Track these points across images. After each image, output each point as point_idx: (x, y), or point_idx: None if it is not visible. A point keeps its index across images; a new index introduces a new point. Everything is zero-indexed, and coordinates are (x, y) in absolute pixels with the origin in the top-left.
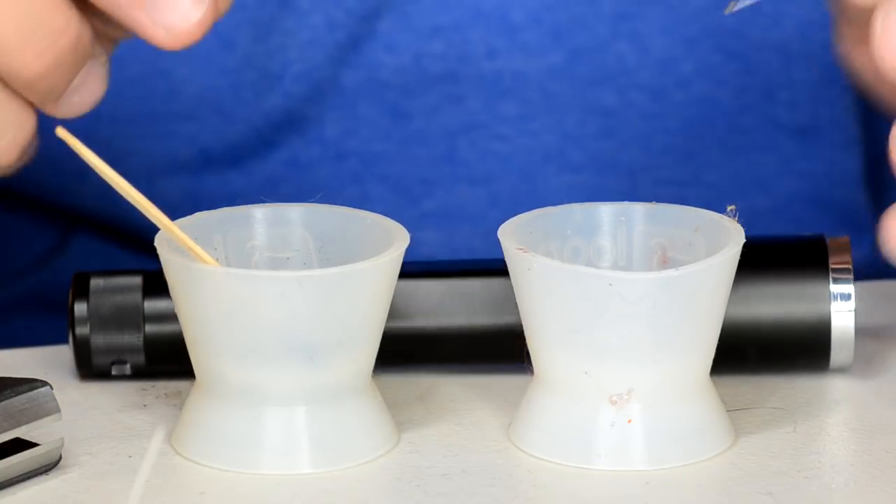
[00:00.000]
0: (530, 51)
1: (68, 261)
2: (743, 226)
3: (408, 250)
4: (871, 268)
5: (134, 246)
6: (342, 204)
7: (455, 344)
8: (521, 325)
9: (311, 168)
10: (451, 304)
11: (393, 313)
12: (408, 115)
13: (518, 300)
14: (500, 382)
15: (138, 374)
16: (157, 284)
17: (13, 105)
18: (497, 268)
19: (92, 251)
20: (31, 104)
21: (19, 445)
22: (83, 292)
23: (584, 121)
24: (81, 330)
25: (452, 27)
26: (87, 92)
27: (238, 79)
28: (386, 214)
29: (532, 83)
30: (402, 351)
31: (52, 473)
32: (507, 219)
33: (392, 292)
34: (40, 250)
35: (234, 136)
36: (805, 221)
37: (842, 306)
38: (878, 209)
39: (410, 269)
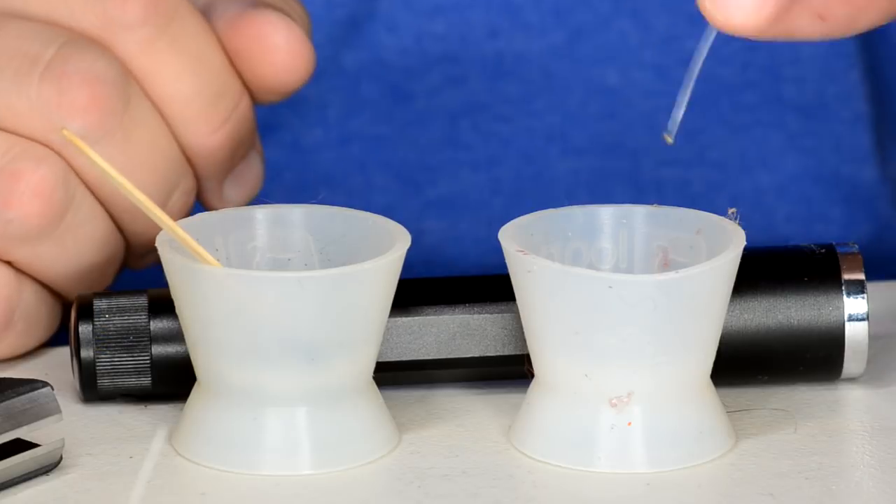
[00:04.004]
0: (531, 30)
1: None
2: (745, 228)
3: (412, 241)
4: (877, 247)
5: None
6: (347, 195)
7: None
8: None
9: (314, 153)
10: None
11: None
12: (410, 97)
13: (518, 302)
14: (501, 384)
15: (145, 396)
16: (162, 305)
17: None
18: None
19: None
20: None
21: (20, 446)
22: (87, 314)
23: (586, 101)
24: (86, 353)
25: (453, 7)
26: (244, 183)
27: None
28: (390, 205)
29: (534, 63)
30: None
31: (52, 474)
32: (511, 206)
33: (393, 293)
34: None
35: None
36: (810, 199)
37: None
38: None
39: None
